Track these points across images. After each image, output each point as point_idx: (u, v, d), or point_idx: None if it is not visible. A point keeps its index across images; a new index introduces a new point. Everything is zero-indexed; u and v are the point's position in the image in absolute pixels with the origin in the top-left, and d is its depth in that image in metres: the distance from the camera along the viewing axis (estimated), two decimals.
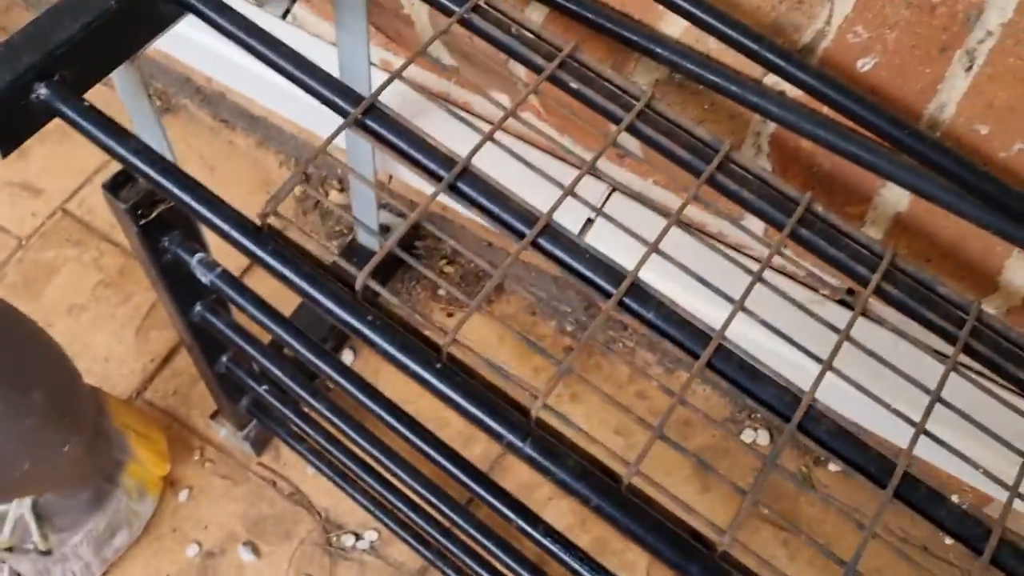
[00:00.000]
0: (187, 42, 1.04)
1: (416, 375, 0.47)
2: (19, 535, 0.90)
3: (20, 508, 0.89)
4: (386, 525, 0.92)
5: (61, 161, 1.22)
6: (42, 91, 0.51)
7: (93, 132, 0.51)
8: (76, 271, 1.14)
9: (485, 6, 0.59)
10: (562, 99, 0.61)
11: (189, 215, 0.51)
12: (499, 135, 0.54)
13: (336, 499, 1.00)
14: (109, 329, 1.10)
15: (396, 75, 0.56)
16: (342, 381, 0.63)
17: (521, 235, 0.52)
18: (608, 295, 0.51)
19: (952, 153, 0.59)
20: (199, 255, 0.67)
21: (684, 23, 0.70)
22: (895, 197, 0.66)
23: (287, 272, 0.49)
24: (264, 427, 0.97)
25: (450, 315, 1.13)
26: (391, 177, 1.09)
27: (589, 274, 0.51)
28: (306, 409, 0.86)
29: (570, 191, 0.54)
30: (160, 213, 0.64)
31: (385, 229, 1.13)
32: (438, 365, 0.47)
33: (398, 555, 0.98)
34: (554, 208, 0.53)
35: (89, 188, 1.20)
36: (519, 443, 0.47)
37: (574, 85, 0.57)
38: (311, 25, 0.99)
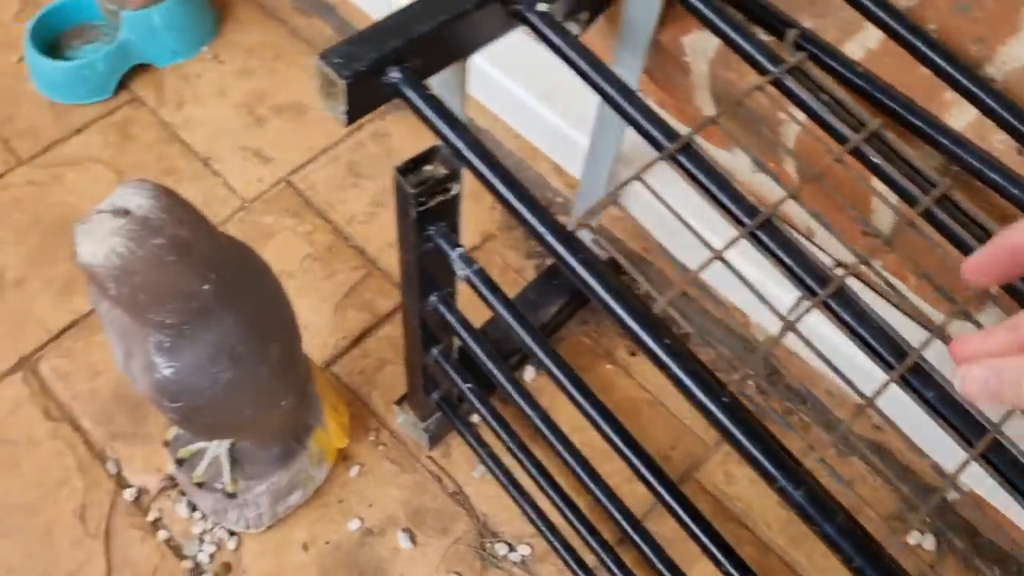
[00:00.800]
0: None
1: (701, 404, 0.49)
2: (211, 474, 0.95)
3: (218, 449, 0.94)
4: (549, 542, 0.93)
5: (294, 136, 1.29)
6: (394, 74, 0.56)
7: (432, 118, 0.55)
8: (289, 240, 1.20)
9: (799, 71, 0.61)
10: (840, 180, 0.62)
11: (507, 208, 0.54)
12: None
13: (496, 507, 1.03)
14: (311, 300, 1.16)
15: (698, 129, 0.58)
16: (524, 405, 0.66)
17: (814, 292, 0.53)
18: (890, 366, 0.51)
19: None
20: (459, 250, 0.71)
21: (970, 115, 0.71)
22: None
23: (592, 281, 0.52)
24: (447, 422, 1.01)
25: (633, 354, 1.14)
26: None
27: (874, 344, 0.52)
28: (500, 412, 0.89)
29: (852, 272, 0.55)
30: (437, 204, 0.68)
31: None
32: (725, 399, 0.49)
33: (546, 574, 0.99)
34: (844, 277, 0.54)
35: (313, 165, 1.27)
36: (791, 489, 0.48)
37: (875, 160, 0.59)
38: None
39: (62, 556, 0.98)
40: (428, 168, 0.70)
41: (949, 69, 0.64)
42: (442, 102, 0.56)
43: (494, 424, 0.88)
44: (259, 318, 0.78)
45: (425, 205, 0.68)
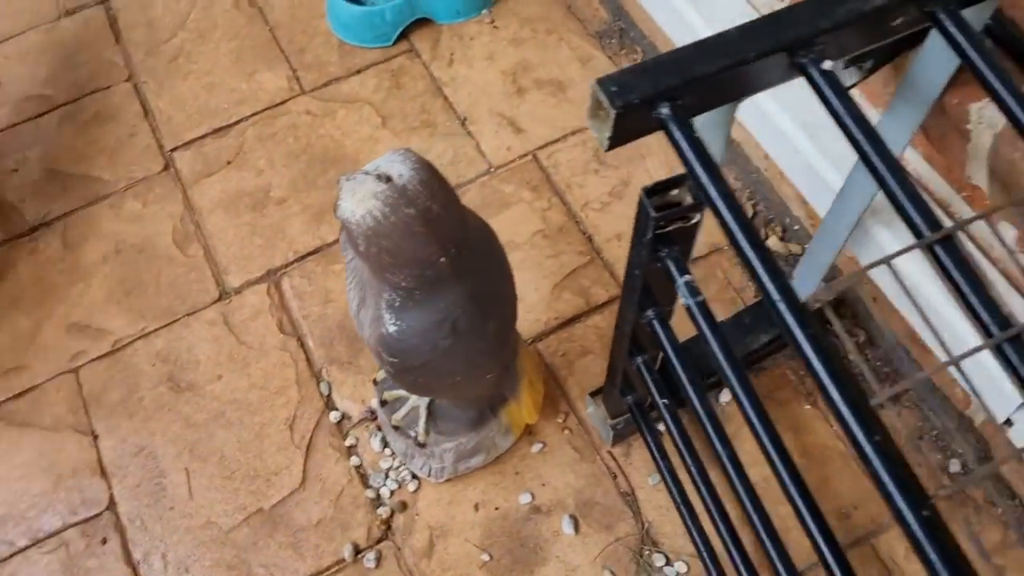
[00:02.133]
0: None
1: (898, 512, 0.48)
2: (409, 420, 1.02)
3: (419, 401, 1.01)
4: (705, 566, 0.94)
5: (549, 112, 1.33)
6: (664, 110, 0.57)
7: (691, 161, 0.56)
8: (524, 213, 1.25)
9: None
10: None
11: (744, 264, 0.54)
12: None
13: (663, 518, 1.04)
14: (532, 275, 1.20)
15: (984, 216, 0.55)
16: (708, 427, 0.65)
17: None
18: None
19: None
20: (687, 277, 0.72)
21: None
22: None
23: (812, 358, 0.51)
24: (634, 425, 1.02)
25: (811, 405, 1.11)
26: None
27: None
28: (685, 428, 0.90)
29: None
30: (674, 229, 0.69)
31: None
32: (925, 513, 0.48)
33: None
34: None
35: (562, 144, 1.30)
36: None
37: None
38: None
39: (268, 457, 1.09)
40: (674, 193, 0.71)
41: None
42: (704, 145, 0.56)
43: (677, 439, 0.89)
44: (485, 295, 0.82)
45: (663, 229, 0.69)
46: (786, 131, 1.01)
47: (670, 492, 0.98)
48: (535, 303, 1.18)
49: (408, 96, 1.36)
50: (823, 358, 0.51)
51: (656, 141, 1.30)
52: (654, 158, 1.28)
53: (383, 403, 1.04)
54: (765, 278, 0.53)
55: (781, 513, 0.79)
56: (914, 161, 0.94)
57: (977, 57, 0.59)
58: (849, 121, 0.57)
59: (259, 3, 1.47)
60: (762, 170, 1.20)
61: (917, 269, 0.90)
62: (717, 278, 1.19)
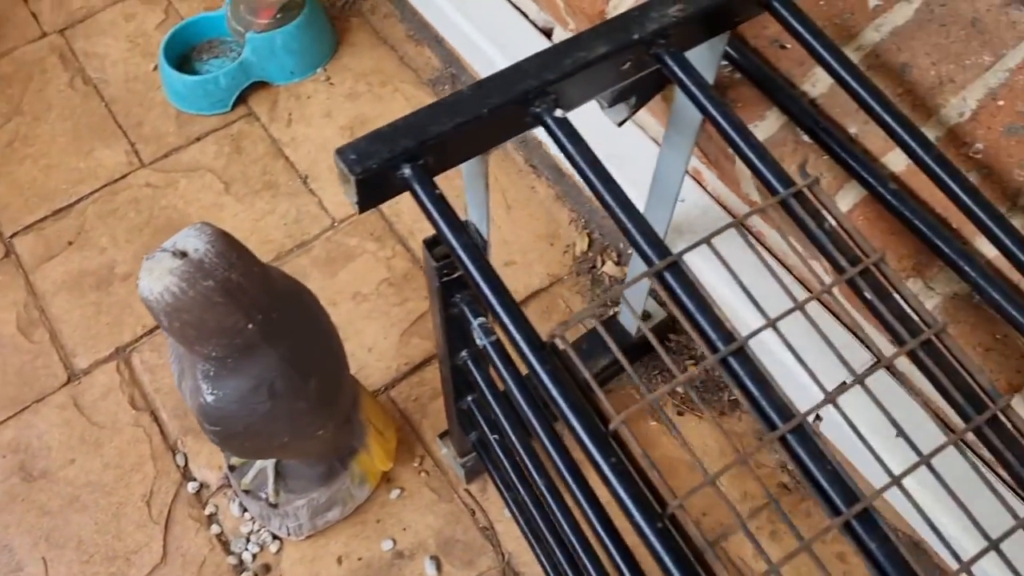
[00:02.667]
0: None
1: (637, 526, 0.51)
2: (258, 483, 1.03)
3: (266, 463, 1.02)
4: None
5: None
6: (407, 171, 0.60)
7: (435, 217, 0.59)
8: (370, 263, 1.27)
9: (807, 192, 0.62)
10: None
11: (490, 312, 0.58)
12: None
13: (522, 547, 1.06)
14: (380, 323, 1.22)
15: (704, 242, 0.60)
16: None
17: (773, 426, 0.54)
18: (837, 511, 0.52)
19: None
20: (480, 320, 0.75)
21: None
22: None
23: (555, 394, 0.54)
24: (482, 464, 1.05)
25: (680, 413, 1.16)
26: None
27: (825, 485, 0.53)
28: (522, 468, 0.93)
29: (832, 399, 0.56)
30: (459, 275, 0.72)
31: (647, 316, 1.17)
32: (659, 524, 0.51)
33: None
34: (810, 411, 0.55)
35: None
36: None
37: (868, 295, 0.59)
38: (641, 119, 1.06)
39: (127, 536, 1.08)
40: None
41: (971, 205, 0.63)
42: (445, 202, 0.60)
43: (511, 474, 0.92)
44: (302, 355, 0.84)
45: (449, 276, 0.72)
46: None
47: (518, 524, 1.00)
48: (385, 351, 1.20)
49: (249, 160, 1.38)
50: (561, 392, 0.54)
51: (504, 176, 1.34)
52: (492, 200, 1.32)
53: (231, 468, 1.05)
54: (509, 323, 0.56)
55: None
56: (711, 180, 0.99)
57: (699, 93, 0.64)
58: (583, 164, 0.61)
59: (93, 80, 1.47)
60: (591, 201, 1.25)
61: (714, 277, 0.95)
62: (559, 308, 1.23)
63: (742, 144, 0.63)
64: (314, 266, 1.27)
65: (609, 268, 1.26)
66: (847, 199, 0.75)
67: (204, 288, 0.75)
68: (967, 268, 0.66)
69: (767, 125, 0.79)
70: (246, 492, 1.03)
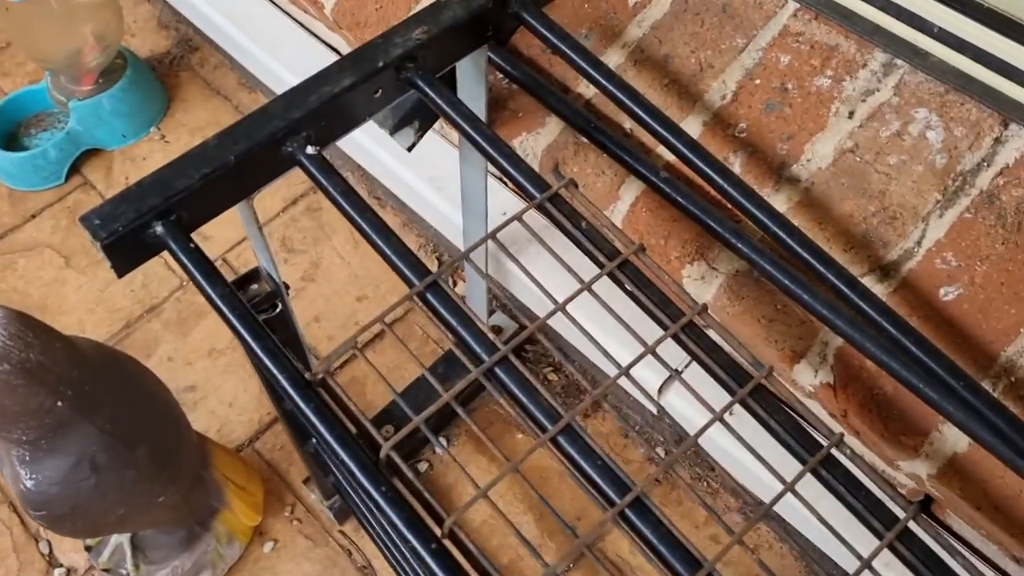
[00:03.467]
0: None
1: (414, 550, 0.51)
2: (116, 560, 1.00)
3: (121, 537, 0.99)
4: None
5: (230, 214, 1.34)
6: (158, 229, 0.59)
7: (192, 271, 0.59)
8: None
9: (563, 194, 0.63)
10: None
11: (241, 343, 0.57)
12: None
13: None
14: (238, 377, 1.20)
15: (460, 258, 0.60)
16: (383, 504, 0.68)
17: (544, 430, 0.55)
18: (611, 503, 0.53)
19: (1007, 414, 0.57)
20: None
21: None
22: (955, 436, 0.64)
23: (322, 430, 0.54)
24: (344, 503, 1.04)
25: (522, 433, 1.16)
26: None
27: (597, 479, 0.54)
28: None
29: (600, 395, 0.57)
30: (267, 319, 0.72)
31: (498, 330, 1.18)
32: (433, 545, 0.51)
33: None
34: (574, 413, 0.56)
35: (247, 243, 1.32)
36: None
37: (628, 287, 0.60)
38: (453, 137, 1.07)
39: None
40: (254, 287, 0.74)
41: (727, 187, 0.65)
42: (203, 256, 0.59)
43: (361, 509, 0.91)
44: (125, 423, 0.82)
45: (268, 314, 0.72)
46: (418, 188, 1.07)
47: (385, 557, 1.00)
48: (246, 403, 1.19)
49: None
50: (327, 427, 0.54)
51: (339, 218, 1.34)
52: (339, 236, 1.32)
53: (88, 548, 1.02)
54: (268, 363, 0.56)
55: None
56: None
57: (451, 112, 0.65)
58: (339, 197, 0.61)
59: None
60: (437, 223, 1.25)
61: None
62: (416, 334, 1.23)
63: (497, 156, 0.64)
64: (166, 328, 1.25)
65: (461, 288, 1.26)
66: (630, 192, 0.76)
67: (1, 373, 0.73)
68: (740, 246, 0.67)
69: (548, 131, 0.80)
70: (105, 572, 1.00)
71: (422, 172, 1.04)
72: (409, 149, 0.83)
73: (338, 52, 1.17)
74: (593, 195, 0.77)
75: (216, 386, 1.20)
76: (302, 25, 1.20)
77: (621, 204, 0.76)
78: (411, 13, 0.86)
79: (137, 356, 0.93)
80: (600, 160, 0.77)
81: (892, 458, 0.68)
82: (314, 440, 0.92)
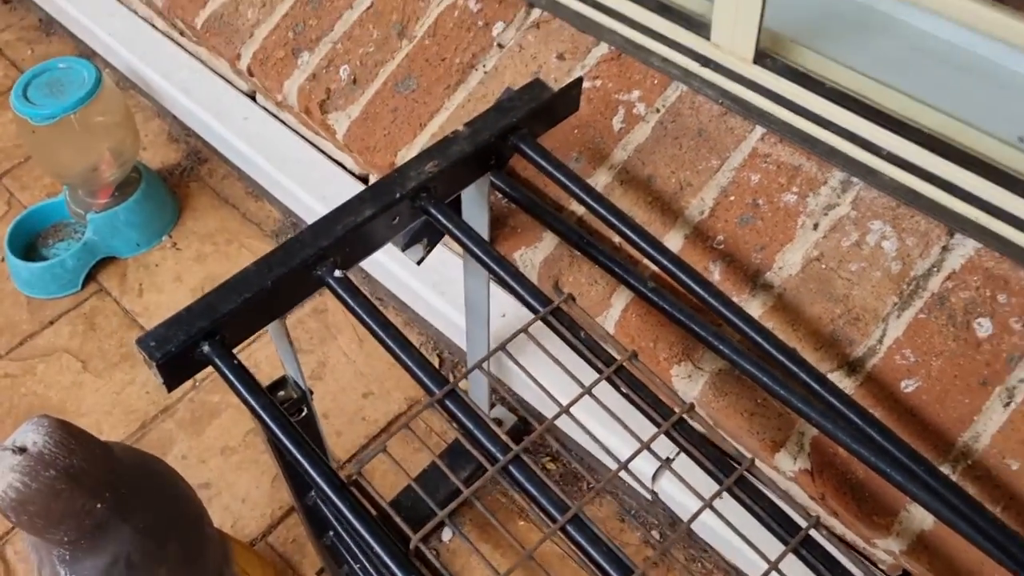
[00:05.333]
0: None
1: None
2: None
3: None
4: None
5: None
6: (205, 348, 0.67)
7: (236, 385, 0.66)
8: (234, 417, 1.32)
9: (563, 307, 0.71)
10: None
11: (281, 466, 0.64)
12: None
13: None
14: (251, 473, 1.26)
15: (474, 368, 0.68)
16: None
17: (553, 520, 0.62)
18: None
19: (963, 494, 0.65)
20: None
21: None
22: (921, 515, 0.71)
23: (357, 525, 0.61)
24: None
25: (524, 520, 1.22)
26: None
27: (604, 564, 0.60)
28: None
29: (602, 488, 0.64)
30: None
31: (499, 423, 1.25)
32: None
33: None
34: (581, 505, 0.62)
35: (257, 343, 1.39)
36: None
37: (624, 390, 0.68)
38: (456, 247, 1.15)
39: None
40: (281, 394, 0.81)
41: (708, 298, 0.73)
42: (245, 371, 0.67)
43: None
44: (157, 523, 0.88)
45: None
46: (423, 293, 1.15)
47: None
48: (258, 499, 1.24)
49: (104, 335, 1.42)
50: (362, 522, 0.61)
51: (343, 318, 1.41)
52: (344, 336, 1.39)
53: None
54: (306, 465, 0.63)
55: None
56: None
57: (461, 235, 0.73)
58: (363, 314, 0.69)
59: None
60: (437, 322, 1.33)
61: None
62: (420, 428, 1.30)
63: (503, 273, 0.72)
64: (180, 428, 1.31)
65: (461, 384, 1.33)
66: (621, 300, 0.84)
67: (47, 478, 0.79)
68: (722, 348, 0.75)
69: (545, 245, 0.89)
70: None
71: (426, 278, 1.12)
72: (418, 263, 0.92)
73: (343, 166, 1.26)
74: (588, 303, 0.85)
75: (229, 482, 1.25)
76: (308, 141, 1.30)
77: (613, 311, 0.84)
78: (415, 139, 0.96)
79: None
80: (593, 271, 0.86)
81: (868, 536, 0.74)
82: (332, 533, 0.97)
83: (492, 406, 1.27)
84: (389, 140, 0.98)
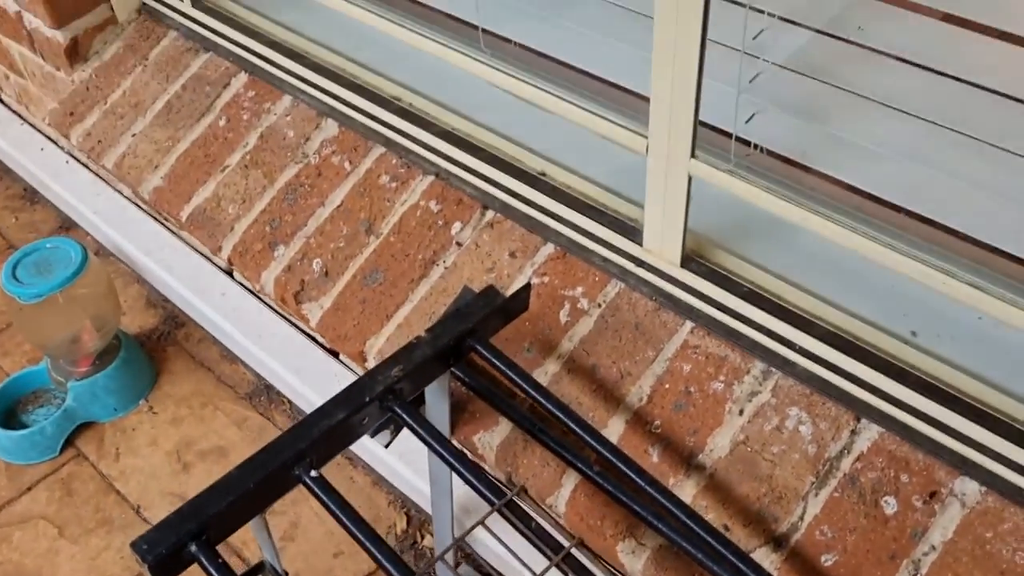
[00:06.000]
0: None
1: None
2: None
3: None
4: None
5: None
6: (193, 547, 0.74)
7: None
8: None
9: (516, 500, 0.79)
10: None
11: None
12: None
13: None
14: None
15: (438, 559, 0.75)
16: None
17: None
18: None
19: None
20: None
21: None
22: None
23: None
24: None
25: None
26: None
27: None
28: None
29: None
30: None
31: None
32: None
33: None
34: None
35: None
36: None
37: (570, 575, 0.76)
38: None
39: None
40: None
41: (643, 485, 0.82)
42: (227, 568, 0.74)
43: None
44: None
45: None
46: (389, 461, 1.23)
47: None
48: None
49: (81, 500, 1.46)
50: None
51: None
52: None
53: None
54: None
55: None
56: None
57: (423, 432, 0.82)
58: (339, 512, 0.77)
59: None
60: (404, 483, 1.40)
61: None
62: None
63: (460, 468, 0.80)
64: None
65: (428, 541, 1.39)
66: (571, 481, 0.93)
67: None
68: (661, 527, 0.84)
69: (501, 429, 0.98)
70: None
71: (393, 448, 1.20)
72: (386, 447, 1.00)
73: (316, 340, 1.35)
74: (541, 483, 0.94)
75: None
76: (283, 316, 1.39)
77: (564, 490, 0.93)
78: (382, 329, 1.06)
79: None
80: (545, 454, 0.95)
81: None
82: None
83: (458, 564, 1.33)
84: (358, 330, 1.08)
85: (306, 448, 0.79)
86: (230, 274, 1.44)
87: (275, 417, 1.58)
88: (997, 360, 0.85)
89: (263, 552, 0.88)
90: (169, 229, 1.53)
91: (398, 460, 1.21)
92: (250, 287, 1.41)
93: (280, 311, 1.38)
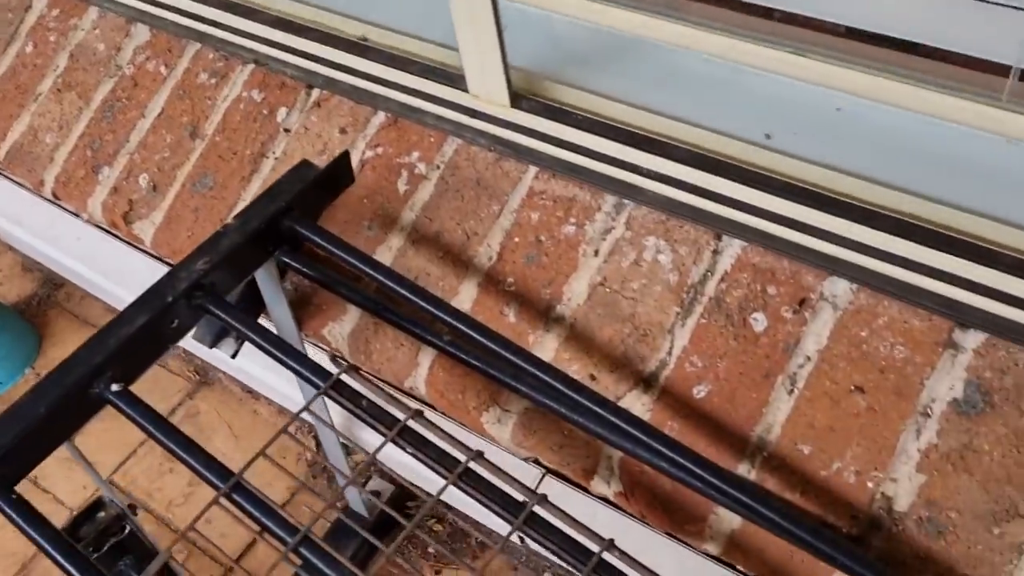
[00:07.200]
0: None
1: None
2: None
3: None
4: None
5: (110, 435, 1.40)
6: None
7: (15, 519, 0.65)
8: None
9: (346, 378, 0.72)
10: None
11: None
12: None
13: None
14: None
15: (257, 455, 0.68)
16: None
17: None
18: None
19: (755, 490, 0.66)
20: None
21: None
22: (728, 516, 0.73)
23: None
24: None
25: (438, 572, 1.22)
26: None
27: None
28: None
29: (493, 556, 0.64)
30: (111, 545, 0.78)
31: (377, 494, 1.24)
32: None
33: None
34: (483, 567, 0.63)
35: (132, 460, 1.37)
36: None
37: (410, 450, 0.68)
38: None
39: None
40: (101, 515, 0.81)
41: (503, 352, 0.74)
42: (25, 505, 0.66)
43: None
44: None
45: (101, 550, 0.77)
46: (282, 388, 1.15)
47: None
48: None
49: None
50: None
51: (217, 419, 1.40)
52: (219, 436, 1.38)
53: None
54: None
55: None
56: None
57: (237, 324, 0.74)
58: (148, 424, 0.69)
59: None
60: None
61: None
62: (305, 515, 1.28)
63: (284, 357, 0.73)
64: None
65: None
66: (426, 358, 0.85)
67: None
68: (521, 387, 0.77)
69: (350, 318, 0.90)
70: None
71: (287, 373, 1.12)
72: (233, 356, 0.92)
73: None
74: (398, 365, 0.86)
75: None
76: (148, 253, 1.29)
77: (421, 369, 0.85)
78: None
79: None
80: (397, 335, 0.87)
81: (695, 544, 0.76)
82: None
83: (368, 479, 1.27)
84: (194, 240, 0.99)
85: (103, 362, 0.71)
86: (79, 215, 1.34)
87: (169, 363, 1.50)
88: (856, 149, 0.77)
89: (98, 485, 0.80)
90: (12, 180, 1.42)
91: (289, 384, 1.14)
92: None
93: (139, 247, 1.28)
